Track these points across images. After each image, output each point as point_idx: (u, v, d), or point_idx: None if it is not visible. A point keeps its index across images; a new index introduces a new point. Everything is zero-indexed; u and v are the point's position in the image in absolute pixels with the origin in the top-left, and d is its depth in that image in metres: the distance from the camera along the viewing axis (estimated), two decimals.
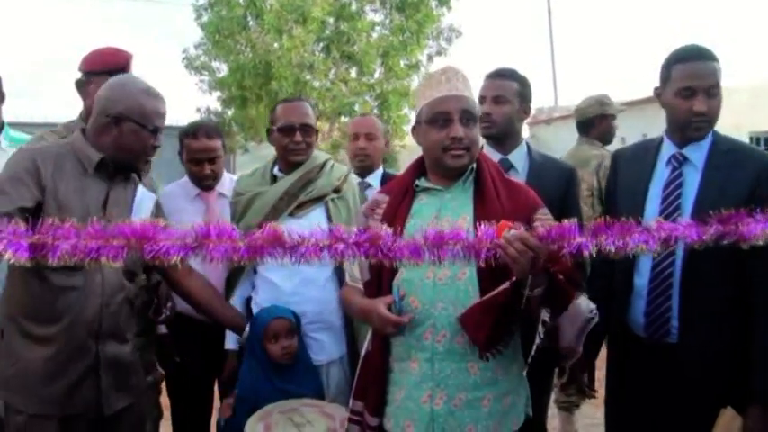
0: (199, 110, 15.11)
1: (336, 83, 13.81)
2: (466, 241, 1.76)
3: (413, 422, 2.12)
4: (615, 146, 4.33)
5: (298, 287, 2.81)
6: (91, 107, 3.02)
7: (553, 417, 4.90)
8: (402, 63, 14.30)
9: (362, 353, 2.33)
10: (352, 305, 2.34)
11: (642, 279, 2.41)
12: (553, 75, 19.65)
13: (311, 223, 2.58)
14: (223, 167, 3.30)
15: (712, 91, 2.34)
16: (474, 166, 2.20)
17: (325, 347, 2.86)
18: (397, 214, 2.18)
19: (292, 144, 2.88)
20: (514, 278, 1.94)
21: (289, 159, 2.91)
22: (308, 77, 13.44)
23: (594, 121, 4.68)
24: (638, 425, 2.48)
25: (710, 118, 2.37)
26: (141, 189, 2.51)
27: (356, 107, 13.73)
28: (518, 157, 2.88)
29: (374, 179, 3.57)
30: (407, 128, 13.90)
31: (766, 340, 2.24)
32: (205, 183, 3.19)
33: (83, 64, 3.08)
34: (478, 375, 2.10)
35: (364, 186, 3.51)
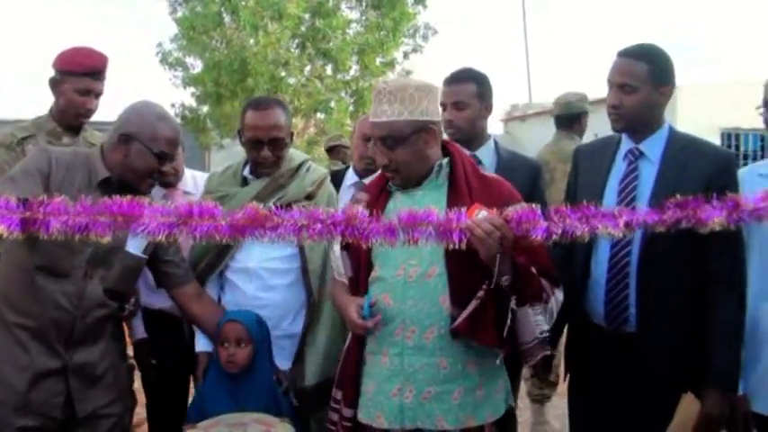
0: (173, 105, 14.98)
1: (312, 80, 13.79)
2: (437, 222, 1.81)
3: (383, 413, 2.18)
4: (588, 141, 4.40)
5: (258, 291, 2.74)
6: (63, 106, 3.14)
7: (525, 408, 4.98)
8: (378, 60, 14.30)
9: (345, 345, 2.40)
10: (335, 299, 2.44)
11: (600, 269, 2.45)
12: (527, 72, 19.83)
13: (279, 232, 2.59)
14: (182, 165, 3.31)
15: (624, 88, 2.38)
16: (444, 161, 2.24)
17: (286, 355, 2.75)
18: (372, 213, 2.22)
19: (260, 158, 2.73)
20: (486, 282, 2.02)
21: (257, 171, 2.80)
22: (283, 74, 13.41)
23: (580, 117, 4.74)
24: (600, 414, 2.51)
25: (623, 112, 2.40)
26: None
27: (332, 104, 13.73)
28: (485, 154, 2.95)
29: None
30: None
31: (722, 324, 2.28)
32: (165, 180, 3.17)
33: (57, 62, 3.10)
34: (448, 370, 2.16)
35: (360, 187, 3.44)
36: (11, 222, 1.67)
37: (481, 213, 1.90)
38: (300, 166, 2.83)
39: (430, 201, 2.17)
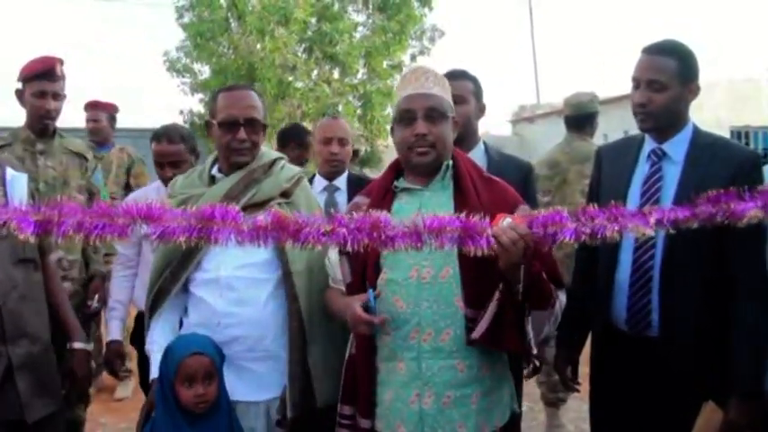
0: (182, 112, 14.99)
1: (319, 84, 13.77)
2: (463, 227, 1.79)
3: (403, 422, 2.14)
4: (597, 142, 4.35)
5: (231, 306, 2.39)
6: (28, 112, 3.40)
7: (540, 411, 4.96)
8: (385, 63, 14.28)
9: (347, 355, 2.32)
10: (332, 305, 2.33)
11: (623, 274, 2.42)
12: (535, 73, 19.76)
13: None
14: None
15: (654, 86, 2.33)
16: (450, 163, 2.22)
17: (266, 382, 2.43)
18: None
19: (235, 142, 2.46)
20: (501, 285, 1.99)
21: (231, 159, 2.51)
22: (290, 78, 13.40)
23: (591, 117, 4.66)
24: (622, 419, 2.49)
25: (650, 111, 2.36)
26: (9, 170, 2.49)
27: (340, 108, 13.71)
28: (477, 156, 2.95)
29: (342, 182, 3.60)
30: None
31: (746, 330, 2.24)
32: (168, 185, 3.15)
33: (18, 74, 3.38)
34: (465, 373, 2.13)
35: (333, 189, 3.56)
36: (24, 222, 1.67)
37: (506, 221, 1.86)
38: (275, 162, 2.59)
39: (437, 201, 2.16)
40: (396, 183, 2.25)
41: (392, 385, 2.17)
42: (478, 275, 2.07)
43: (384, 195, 2.24)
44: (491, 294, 2.03)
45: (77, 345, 2.68)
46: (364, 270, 2.19)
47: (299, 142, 4.29)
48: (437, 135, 2.15)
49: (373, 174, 8.86)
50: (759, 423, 2.26)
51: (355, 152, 7.70)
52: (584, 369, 2.76)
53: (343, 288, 2.29)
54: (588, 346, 2.73)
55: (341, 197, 3.55)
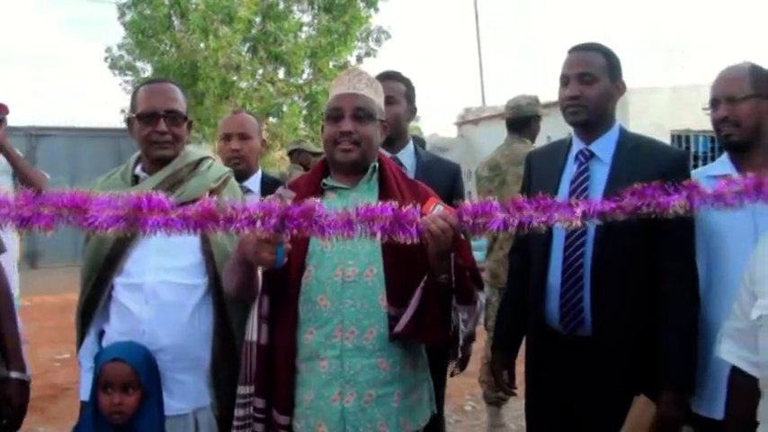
0: (123, 111, 14.68)
1: (264, 83, 13.64)
2: (394, 215, 1.79)
3: (324, 421, 2.13)
4: (541, 144, 4.41)
5: (156, 314, 2.29)
6: None
7: (482, 411, 4.99)
8: (331, 64, 14.22)
9: (247, 340, 2.25)
10: (229, 263, 2.23)
11: (555, 273, 2.44)
12: (480, 76, 19.85)
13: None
14: None
15: (585, 78, 2.39)
16: (376, 165, 2.26)
17: (191, 392, 2.35)
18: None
19: (155, 135, 2.37)
20: (426, 277, 2.02)
21: (152, 154, 2.41)
22: (234, 78, 13.24)
23: (531, 120, 4.76)
24: (558, 417, 2.51)
25: (584, 103, 2.40)
26: None
27: (284, 108, 13.62)
28: (406, 156, 3.07)
29: (253, 184, 3.26)
30: None
31: (676, 326, 2.27)
32: None
33: None
34: (388, 371, 2.14)
35: (243, 192, 3.02)
36: None
37: (437, 208, 1.89)
38: (201, 161, 2.51)
39: (362, 201, 2.15)
40: (324, 180, 2.27)
41: (313, 384, 2.16)
42: (402, 274, 2.10)
43: (312, 193, 2.22)
44: (414, 292, 2.06)
45: (14, 374, 2.52)
46: (288, 267, 2.15)
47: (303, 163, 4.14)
48: (362, 134, 2.18)
49: None
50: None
51: (309, 153, 7.62)
52: (521, 367, 2.77)
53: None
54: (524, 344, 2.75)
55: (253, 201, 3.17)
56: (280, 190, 2.24)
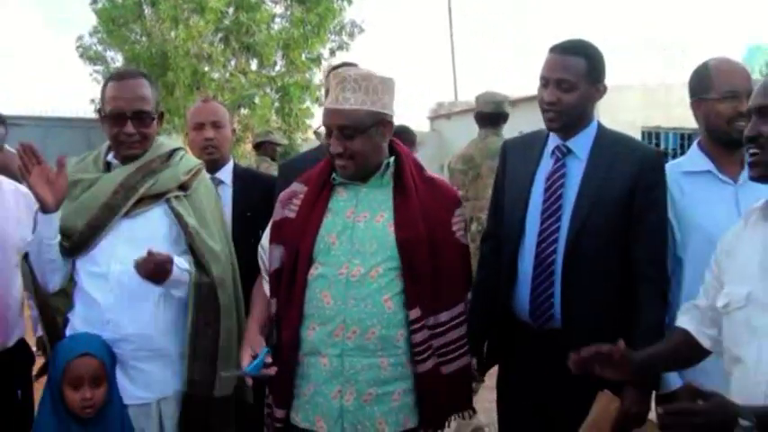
0: (93, 101, 14.46)
1: (235, 74, 13.54)
2: None
3: (322, 416, 2.14)
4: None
5: (120, 303, 2.29)
6: None
7: None
8: (303, 56, 14.16)
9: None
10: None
11: (526, 265, 2.43)
12: (453, 70, 19.87)
13: (149, 224, 2.35)
14: None
15: (563, 85, 2.32)
16: (391, 160, 2.23)
17: (155, 381, 2.36)
18: (314, 208, 2.21)
19: (123, 136, 2.37)
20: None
21: (120, 153, 2.43)
22: (206, 68, 13.13)
23: (506, 116, 4.88)
24: (528, 409, 2.50)
25: (561, 110, 2.35)
26: None
27: (256, 99, 13.52)
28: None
29: (226, 175, 3.15)
30: (310, 121, 13.81)
31: (645, 322, 2.29)
32: None
33: None
34: (388, 371, 2.15)
35: (216, 183, 3.00)
36: None
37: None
38: (173, 153, 2.50)
39: (374, 198, 2.20)
40: (334, 175, 2.24)
41: (313, 379, 2.17)
42: (420, 276, 2.14)
43: (322, 187, 2.23)
44: (433, 295, 2.15)
45: None
46: (296, 260, 2.18)
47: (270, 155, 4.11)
48: (354, 150, 2.14)
49: None
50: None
51: (275, 144, 7.58)
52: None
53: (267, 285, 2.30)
54: None
55: (225, 192, 3.06)
56: (294, 185, 2.30)
